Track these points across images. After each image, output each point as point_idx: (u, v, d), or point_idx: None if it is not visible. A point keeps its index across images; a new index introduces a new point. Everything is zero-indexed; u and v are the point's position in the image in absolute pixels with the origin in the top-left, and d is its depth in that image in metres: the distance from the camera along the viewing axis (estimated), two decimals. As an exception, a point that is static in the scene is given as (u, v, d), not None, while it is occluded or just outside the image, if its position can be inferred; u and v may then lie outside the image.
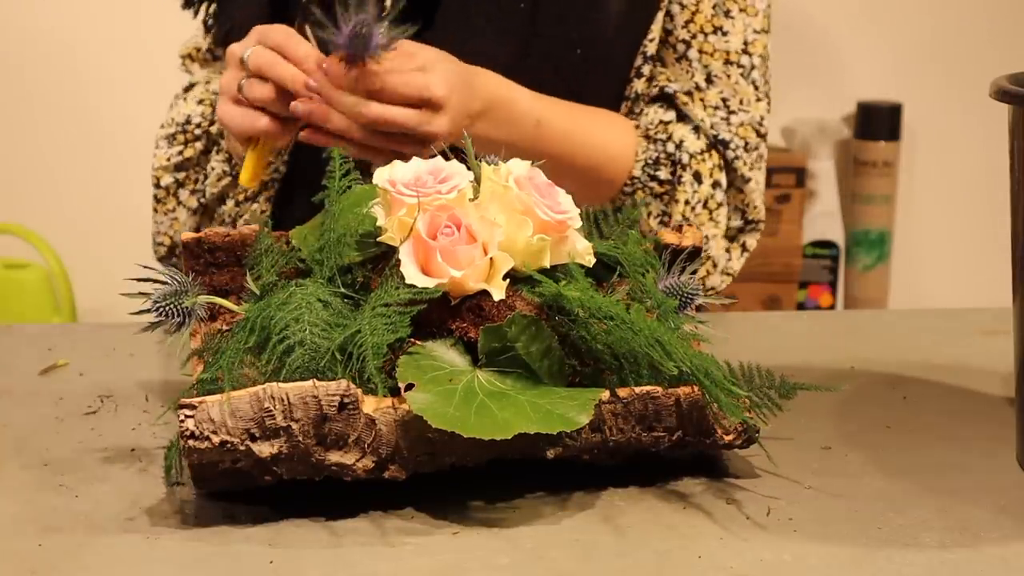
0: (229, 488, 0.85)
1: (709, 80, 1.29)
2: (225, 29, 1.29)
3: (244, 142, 1.14)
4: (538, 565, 0.79)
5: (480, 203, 0.90)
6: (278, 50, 1.10)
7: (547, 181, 0.93)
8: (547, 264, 0.91)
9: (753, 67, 1.31)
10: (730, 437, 0.90)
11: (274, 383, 0.82)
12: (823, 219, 2.62)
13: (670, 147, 1.28)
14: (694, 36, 1.30)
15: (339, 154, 0.98)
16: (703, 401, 0.88)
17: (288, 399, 0.81)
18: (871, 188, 2.61)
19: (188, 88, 1.37)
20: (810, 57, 2.62)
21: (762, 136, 1.31)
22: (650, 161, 1.27)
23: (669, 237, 0.99)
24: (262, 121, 1.11)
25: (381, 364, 0.84)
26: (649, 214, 1.27)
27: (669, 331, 0.88)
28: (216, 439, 0.81)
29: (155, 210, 1.35)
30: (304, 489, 0.85)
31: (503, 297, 0.88)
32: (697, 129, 1.29)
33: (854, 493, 0.89)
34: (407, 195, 0.89)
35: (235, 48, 1.13)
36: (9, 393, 1.06)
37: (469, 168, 0.92)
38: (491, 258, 0.88)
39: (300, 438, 0.82)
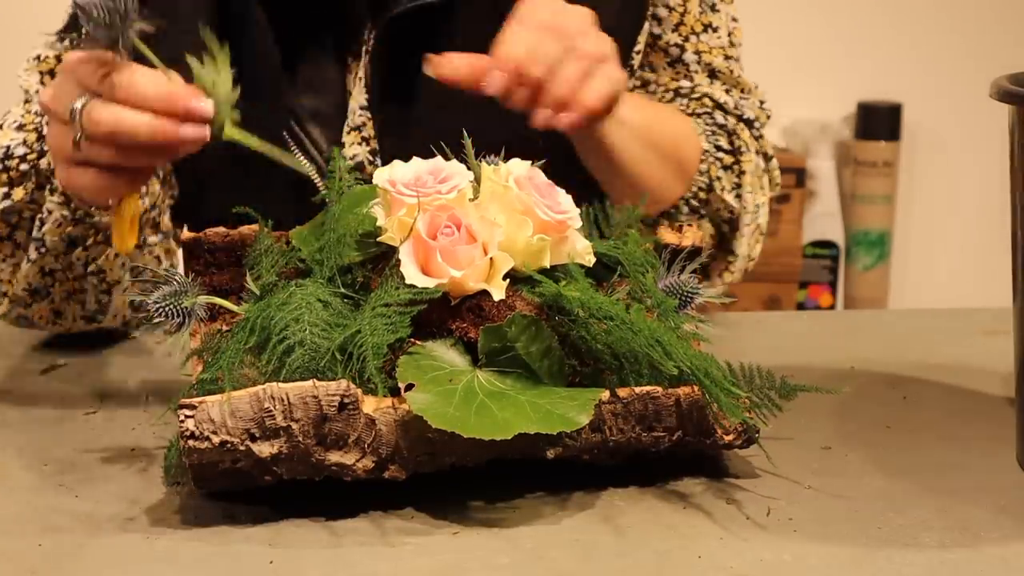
0: (229, 488, 0.85)
1: (712, 76, 1.28)
2: None
3: (104, 206, 1.00)
4: (538, 565, 0.79)
5: (480, 203, 0.90)
6: (114, 96, 0.90)
7: (547, 181, 0.93)
8: (547, 264, 0.91)
9: (739, 56, 1.31)
10: (730, 437, 0.90)
11: (274, 383, 0.82)
12: (823, 219, 2.62)
13: (719, 118, 1.26)
14: (687, 38, 1.28)
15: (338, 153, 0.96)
16: (703, 401, 0.88)
17: (288, 399, 0.81)
18: (871, 188, 2.61)
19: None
20: (810, 57, 2.62)
21: (769, 118, 1.30)
22: (709, 134, 1.24)
23: (669, 237, 0.99)
24: (120, 183, 0.93)
25: (381, 364, 0.84)
26: (723, 188, 1.23)
27: (669, 331, 0.88)
28: (216, 439, 0.81)
29: None
30: (304, 489, 0.85)
31: (503, 297, 0.88)
32: (723, 108, 1.27)
33: (854, 493, 0.89)
34: (407, 195, 0.89)
35: (51, 100, 0.93)
36: (9, 393, 1.06)
37: (469, 168, 0.92)
38: (491, 258, 0.88)
39: (300, 438, 0.82)
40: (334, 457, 0.83)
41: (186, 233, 0.97)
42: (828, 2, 2.61)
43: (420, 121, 1.19)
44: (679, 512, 0.86)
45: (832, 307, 2.63)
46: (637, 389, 0.87)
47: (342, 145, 1.20)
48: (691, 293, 0.93)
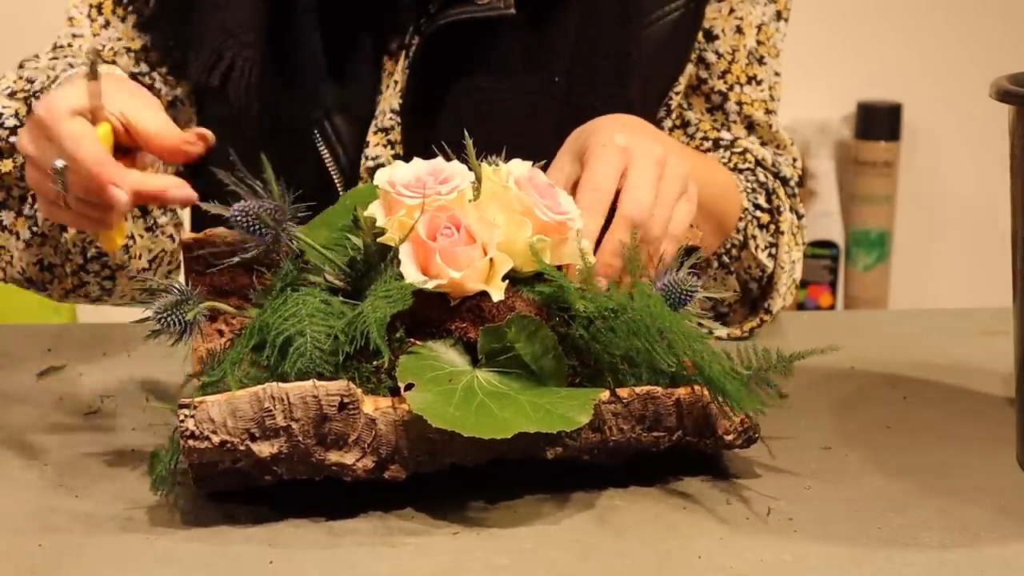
0: (229, 488, 0.85)
1: (750, 128, 1.26)
2: (216, 68, 1.15)
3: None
4: (538, 565, 0.79)
5: (480, 204, 0.90)
6: (88, 174, 0.90)
7: (547, 181, 0.93)
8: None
9: (777, 111, 1.28)
10: (730, 437, 0.90)
11: (274, 383, 0.82)
12: (823, 219, 2.61)
13: (760, 175, 1.24)
14: (731, 87, 1.25)
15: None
16: (704, 401, 0.88)
17: (288, 399, 0.81)
18: (871, 188, 2.61)
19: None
20: (810, 57, 2.62)
21: (801, 177, 1.28)
22: (749, 191, 1.22)
23: (669, 237, 0.99)
24: (107, 220, 0.93)
25: (385, 336, 0.84)
26: (756, 247, 1.21)
27: (672, 316, 0.88)
28: (216, 439, 0.81)
29: None
30: (304, 489, 0.85)
31: (502, 298, 0.88)
32: (763, 165, 1.25)
33: (854, 493, 0.89)
34: (407, 196, 0.89)
35: (34, 151, 0.93)
36: (9, 393, 1.06)
37: (470, 168, 0.92)
38: (490, 259, 0.88)
39: (300, 438, 0.82)
40: (334, 457, 0.83)
41: (186, 233, 0.97)
42: (828, 2, 2.61)
43: (449, 133, 1.13)
44: (679, 512, 0.86)
45: (832, 307, 2.62)
46: (637, 389, 0.87)
47: (366, 144, 1.20)
48: (689, 291, 0.93)
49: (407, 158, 1.16)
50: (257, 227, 0.88)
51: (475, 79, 1.18)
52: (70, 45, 1.21)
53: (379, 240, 0.90)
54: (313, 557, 0.80)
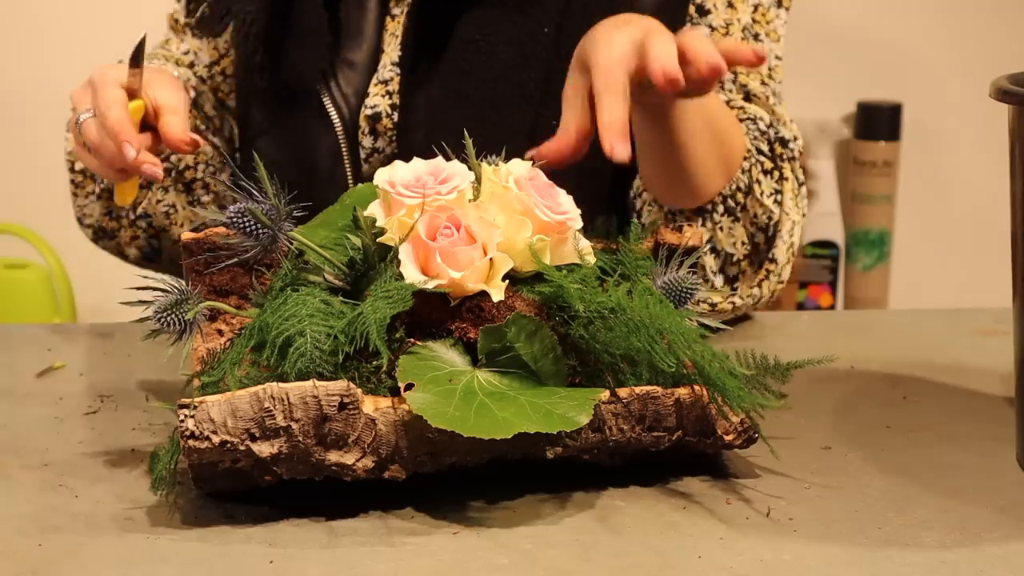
0: (229, 488, 0.85)
1: (747, 99, 1.27)
2: (220, 22, 1.30)
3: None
4: (538, 565, 0.79)
5: (480, 204, 0.90)
6: (110, 131, 1.06)
7: (547, 182, 0.93)
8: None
9: (777, 92, 1.30)
10: (730, 437, 0.90)
11: (274, 383, 0.82)
12: (823, 219, 2.61)
13: (761, 125, 1.24)
14: None
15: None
16: (703, 401, 0.88)
17: (288, 399, 0.81)
18: (871, 188, 2.61)
19: None
20: (810, 57, 2.62)
21: (802, 150, 1.28)
22: (752, 137, 1.23)
23: (670, 237, 0.99)
24: (112, 174, 1.10)
25: (385, 337, 0.84)
26: (762, 192, 1.21)
27: (671, 316, 0.88)
28: (216, 439, 0.81)
29: (75, 194, 1.33)
30: (304, 489, 0.85)
31: (502, 298, 0.88)
32: (759, 122, 1.26)
33: (854, 493, 0.89)
34: (407, 196, 0.89)
35: (75, 99, 1.12)
36: (9, 393, 1.06)
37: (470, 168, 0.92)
38: (490, 259, 0.88)
39: (300, 438, 0.82)
40: (334, 457, 0.83)
41: (186, 234, 0.97)
42: (828, 2, 2.61)
43: (445, 82, 1.24)
44: (679, 512, 0.86)
45: (832, 307, 2.62)
46: (637, 389, 0.87)
47: (367, 94, 1.27)
48: (689, 289, 0.93)
49: (404, 108, 1.25)
50: (254, 228, 0.88)
51: (469, 30, 1.24)
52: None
53: (379, 240, 0.90)
54: (313, 557, 0.80)
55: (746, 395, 0.88)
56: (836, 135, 2.64)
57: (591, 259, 0.93)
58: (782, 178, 1.23)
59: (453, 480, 0.87)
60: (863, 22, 2.62)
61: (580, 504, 0.87)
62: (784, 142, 1.26)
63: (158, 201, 1.31)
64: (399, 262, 0.87)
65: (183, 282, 0.91)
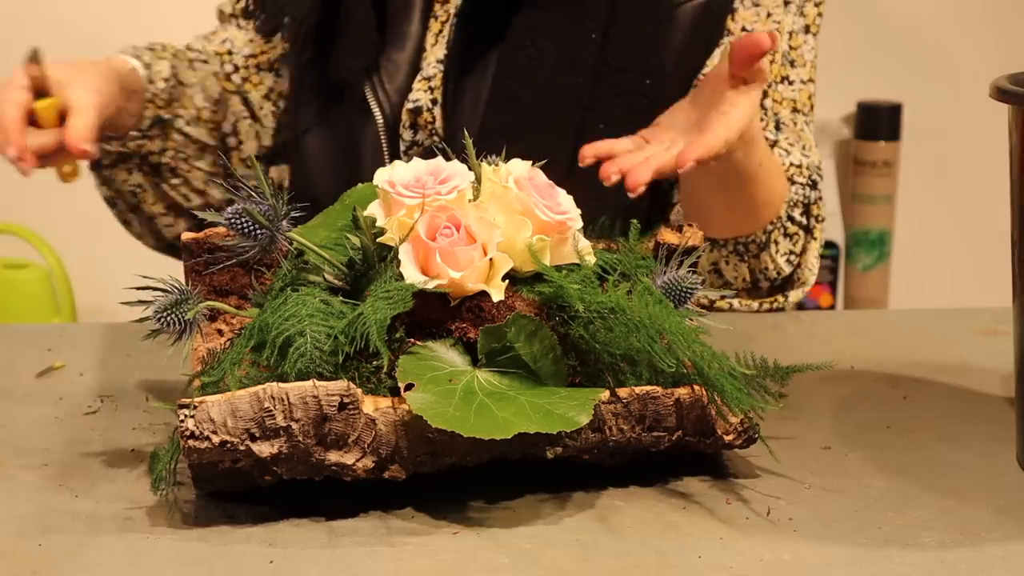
0: (229, 488, 0.85)
1: (778, 127, 1.30)
2: (274, 22, 1.35)
3: None
4: (538, 565, 0.79)
5: (480, 204, 0.90)
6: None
7: (547, 182, 0.93)
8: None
9: (807, 117, 1.33)
10: (730, 437, 0.90)
11: (274, 383, 0.82)
12: (823, 219, 2.61)
13: (806, 192, 1.28)
14: (769, 85, 1.30)
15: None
16: (703, 401, 0.88)
17: (288, 399, 0.81)
18: (871, 188, 2.61)
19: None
20: (810, 57, 2.61)
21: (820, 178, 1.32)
22: (791, 203, 1.27)
23: (670, 237, 0.99)
24: (42, 161, 1.15)
25: (385, 337, 0.84)
26: (777, 251, 1.26)
27: (671, 316, 0.88)
28: (216, 439, 0.81)
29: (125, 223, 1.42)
30: (304, 489, 0.85)
31: (502, 298, 0.88)
32: (803, 172, 1.29)
33: (854, 493, 0.89)
34: (407, 196, 0.89)
35: None
36: (9, 393, 1.06)
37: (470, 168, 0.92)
38: (490, 259, 0.88)
39: (300, 438, 0.82)
40: (334, 457, 0.83)
41: (186, 234, 0.97)
42: (828, 2, 2.61)
43: (494, 84, 1.27)
44: (679, 512, 0.86)
45: (832, 307, 2.62)
46: (637, 389, 0.87)
47: (410, 89, 1.31)
48: (689, 289, 0.93)
49: (445, 105, 1.29)
50: (252, 229, 0.88)
51: (518, 34, 1.27)
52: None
53: (379, 240, 0.90)
54: (313, 557, 0.80)
55: (744, 396, 0.88)
56: (836, 135, 2.64)
57: (591, 259, 0.93)
58: (810, 238, 1.28)
59: (453, 480, 0.87)
60: (863, 22, 2.62)
61: (580, 504, 0.87)
62: (814, 184, 1.29)
63: (123, 181, 1.35)
64: (399, 262, 0.87)
65: (182, 282, 0.91)
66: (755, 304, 1.29)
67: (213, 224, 0.92)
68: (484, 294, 0.88)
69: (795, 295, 1.30)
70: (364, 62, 1.32)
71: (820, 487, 0.90)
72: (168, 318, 0.87)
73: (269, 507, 0.85)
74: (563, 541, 0.82)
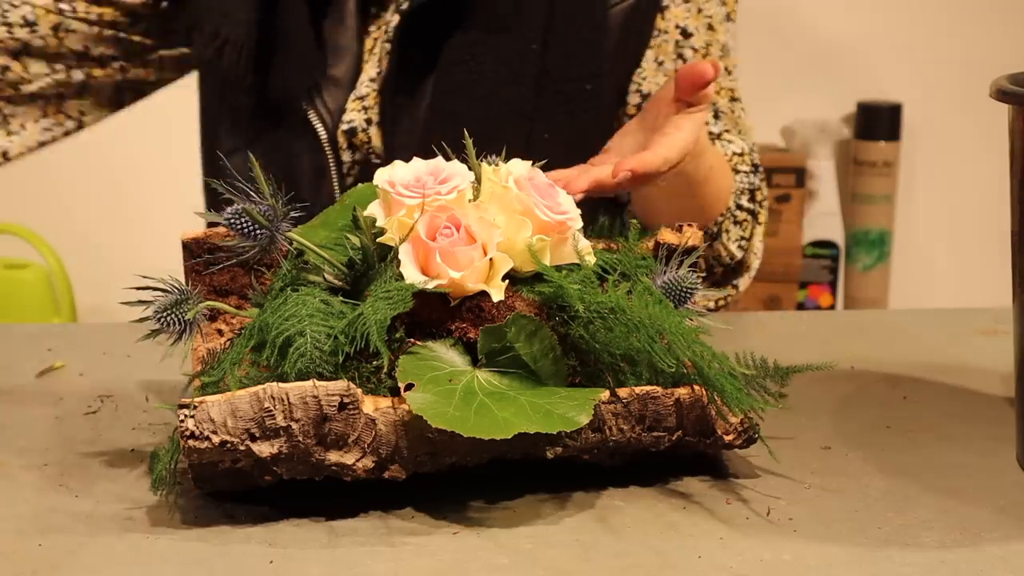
0: (229, 488, 0.85)
1: (716, 116, 1.32)
2: (211, 48, 1.29)
3: None
4: (538, 565, 0.79)
5: (480, 204, 0.90)
6: None
7: (547, 181, 0.93)
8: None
9: (741, 104, 1.35)
10: (730, 437, 0.90)
11: (274, 383, 0.82)
12: (823, 219, 2.62)
13: (751, 178, 1.30)
14: None
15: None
16: (703, 401, 0.88)
17: (288, 399, 0.81)
18: (871, 188, 2.61)
19: None
20: (810, 57, 2.62)
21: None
22: (737, 193, 1.29)
23: (670, 237, 0.99)
24: None
25: (385, 338, 0.84)
26: (729, 239, 1.28)
27: (671, 316, 0.88)
28: (216, 439, 0.81)
29: None
30: (304, 489, 0.85)
31: (502, 298, 0.88)
32: (746, 159, 1.31)
33: (854, 493, 0.89)
34: (407, 196, 0.89)
35: None
36: (9, 393, 1.06)
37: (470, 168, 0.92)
38: (490, 259, 0.88)
39: (300, 438, 0.82)
40: (334, 457, 0.83)
41: (186, 233, 0.97)
42: (828, 2, 2.61)
43: (434, 101, 1.26)
44: (679, 512, 0.86)
45: (832, 307, 2.63)
46: (637, 389, 0.87)
47: (344, 110, 1.29)
48: (689, 289, 0.93)
49: (383, 124, 1.27)
50: (251, 229, 0.88)
51: (456, 50, 1.26)
52: None
53: (379, 240, 0.90)
54: (313, 557, 0.80)
55: (744, 396, 0.88)
56: (836, 135, 2.64)
57: (591, 259, 0.93)
58: (756, 223, 1.30)
59: (453, 480, 0.87)
60: (863, 22, 2.62)
61: (580, 504, 0.87)
62: (756, 168, 1.32)
63: None
64: (399, 262, 0.87)
65: (182, 282, 0.91)
66: (712, 303, 1.30)
67: (213, 224, 0.92)
68: (484, 294, 0.88)
69: (744, 282, 1.31)
70: (306, 81, 1.29)
71: (820, 487, 0.90)
72: (168, 318, 0.87)
73: (269, 507, 0.85)
74: (563, 541, 0.82)
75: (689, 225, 1.01)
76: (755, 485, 0.90)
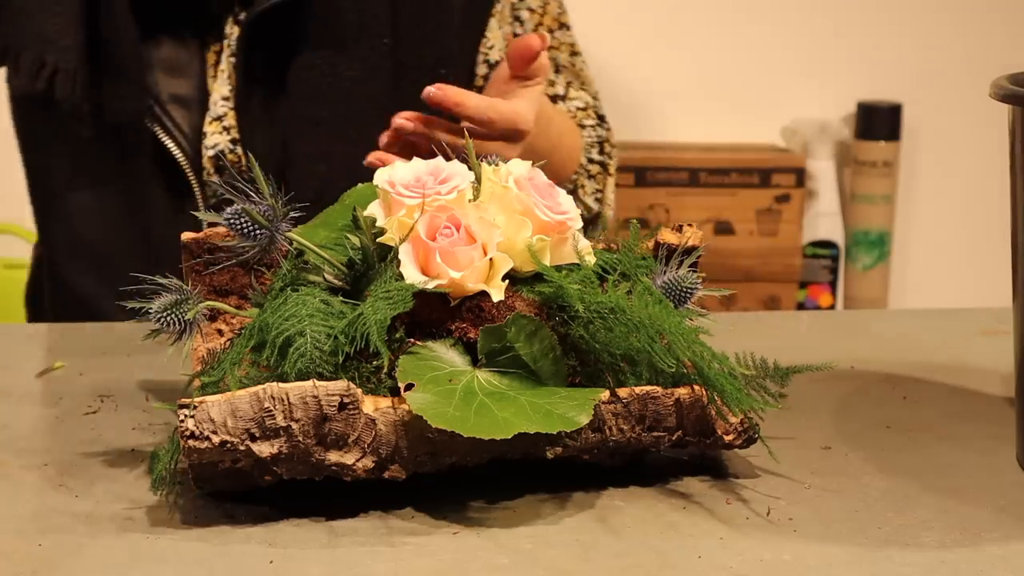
0: (229, 488, 0.85)
1: (556, 71, 1.34)
2: (45, 76, 1.24)
3: None
4: (538, 565, 0.79)
5: (480, 204, 0.90)
6: None
7: (547, 181, 0.93)
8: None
9: (582, 57, 1.38)
10: (730, 437, 0.90)
11: (274, 383, 0.82)
12: (823, 219, 2.62)
13: (598, 131, 1.33)
14: (550, 31, 1.36)
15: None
16: (703, 401, 0.88)
17: (288, 399, 0.81)
18: (871, 188, 2.61)
19: None
20: (810, 57, 2.62)
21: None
22: (586, 147, 1.31)
23: (669, 237, 0.99)
24: None
25: (385, 338, 0.84)
26: (584, 193, 1.31)
27: (671, 316, 0.88)
28: (216, 439, 0.81)
29: None
30: (304, 489, 0.85)
31: (502, 298, 0.88)
32: (592, 113, 1.35)
33: (854, 493, 0.89)
34: (407, 196, 0.89)
35: None
36: (9, 393, 1.06)
37: (470, 168, 0.92)
38: (490, 259, 0.88)
39: (300, 438, 0.82)
40: (334, 457, 0.83)
41: (187, 233, 0.97)
42: (828, 2, 2.61)
43: (292, 111, 1.25)
44: (679, 512, 0.86)
45: (832, 307, 2.63)
46: (637, 389, 0.87)
47: (204, 133, 1.26)
48: (689, 288, 0.93)
49: (245, 143, 1.25)
50: (251, 229, 0.88)
51: (306, 57, 1.25)
52: None
53: (379, 240, 0.90)
54: (313, 557, 0.80)
55: (744, 396, 0.88)
56: (836, 135, 2.64)
57: (591, 259, 0.93)
58: (607, 175, 1.34)
59: (453, 480, 0.87)
60: (863, 22, 2.62)
61: (580, 504, 0.87)
62: (602, 118, 1.35)
63: None
64: (399, 262, 0.87)
65: (183, 282, 0.91)
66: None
67: (213, 224, 0.92)
68: (484, 294, 0.88)
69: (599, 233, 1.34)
70: (142, 102, 1.25)
71: (820, 487, 0.90)
72: (168, 318, 0.87)
73: (269, 507, 0.85)
74: (563, 541, 0.82)
75: (689, 225, 1.01)
76: (755, 485, 0.90)
